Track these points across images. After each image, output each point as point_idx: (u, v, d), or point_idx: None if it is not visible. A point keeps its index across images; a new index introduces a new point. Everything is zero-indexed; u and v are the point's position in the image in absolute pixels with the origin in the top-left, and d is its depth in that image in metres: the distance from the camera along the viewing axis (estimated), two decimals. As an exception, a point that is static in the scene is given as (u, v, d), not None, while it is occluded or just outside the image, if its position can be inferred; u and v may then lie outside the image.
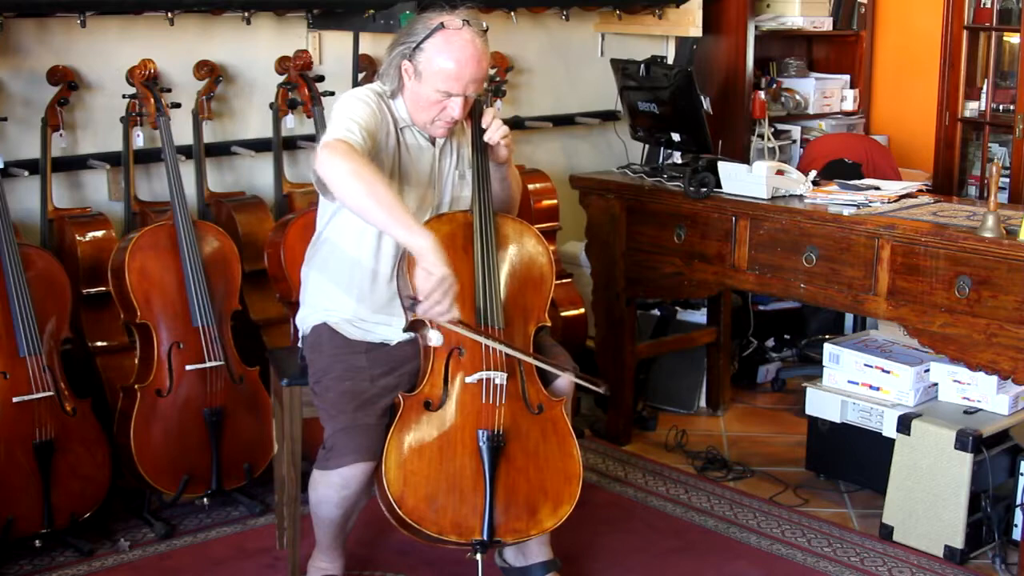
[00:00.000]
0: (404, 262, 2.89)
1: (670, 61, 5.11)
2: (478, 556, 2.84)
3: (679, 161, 4.30)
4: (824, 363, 3.95)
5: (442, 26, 2.87)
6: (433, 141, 3.01)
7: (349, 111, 2.85)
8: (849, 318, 5.13)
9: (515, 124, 4.86)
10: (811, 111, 5.41)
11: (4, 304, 3.34)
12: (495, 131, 2.98)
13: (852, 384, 3.85)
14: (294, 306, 3.25)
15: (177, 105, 3.87)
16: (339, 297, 3.01)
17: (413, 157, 2.99)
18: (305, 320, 3.09)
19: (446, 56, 2.86)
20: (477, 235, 2.93)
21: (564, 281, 4.55)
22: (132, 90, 3.80)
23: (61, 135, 3.81)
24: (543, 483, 2.88)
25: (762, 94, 5.13)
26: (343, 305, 3.00)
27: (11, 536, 3.34)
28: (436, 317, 2.71)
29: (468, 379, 2.85)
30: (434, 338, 2.81)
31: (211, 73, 4.01)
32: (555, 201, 4.60)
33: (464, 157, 3.05)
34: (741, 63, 5.02)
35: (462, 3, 2.96)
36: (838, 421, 3.88)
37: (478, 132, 3.01)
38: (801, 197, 3.73)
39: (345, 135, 2.76)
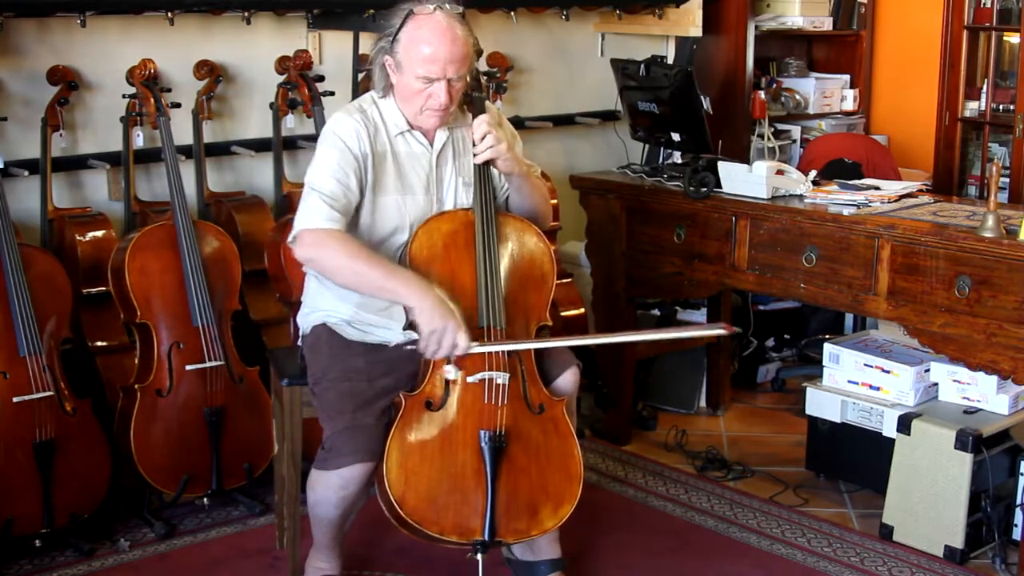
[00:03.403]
0: (406, 262, 2.89)
1: (670, 61, 5.11)
2: (479, 556, 2.84)
3: (679, 161, 4.30)
4: (824, 363, 3.95)
5: (412, 12, 2.89)
6: (431, 144, 3.00)
7: (322, 169, 2.87)
8: (849, 318, 5.12)
9: (515, 124, 4.83)
10: (811, 111, 5.41)
11: (4, 304, 3.34)
12: (483, 147, 2.95)
13: (852, 384, 3.85)
14: (294, 306, 3.25)
15: (177, 105, 3.87)
16: (338, 300, 3.00)
17: (406, 165, 2.98)
18: (305, 320, 3.09)
19: (419, 40, 2.86)
20: (479, 234, 2.92)
21: (564, 281, 4.54)
22: (132, 90, 3.79)
23: (61, 135, 3.81)
24: (544, 483, 2.88)
25: (762, 94, 5.13)
26: (342, 307, 3.00)
27: (11, 536, 3.34)
28: (447, 355, 2.77)
29: (470, 379, 2.84)
30: (450, 372, 2.84)
31: (211, 73, 4.01)
32: (555, 201, 4.58)
33: (468, 166, 3.03)
34: (741, 63, 5.02)
35: None
36: (838, 421, 3.88)
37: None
38: (801, 197, 3.73)
39: (323, 220, 2.80)
